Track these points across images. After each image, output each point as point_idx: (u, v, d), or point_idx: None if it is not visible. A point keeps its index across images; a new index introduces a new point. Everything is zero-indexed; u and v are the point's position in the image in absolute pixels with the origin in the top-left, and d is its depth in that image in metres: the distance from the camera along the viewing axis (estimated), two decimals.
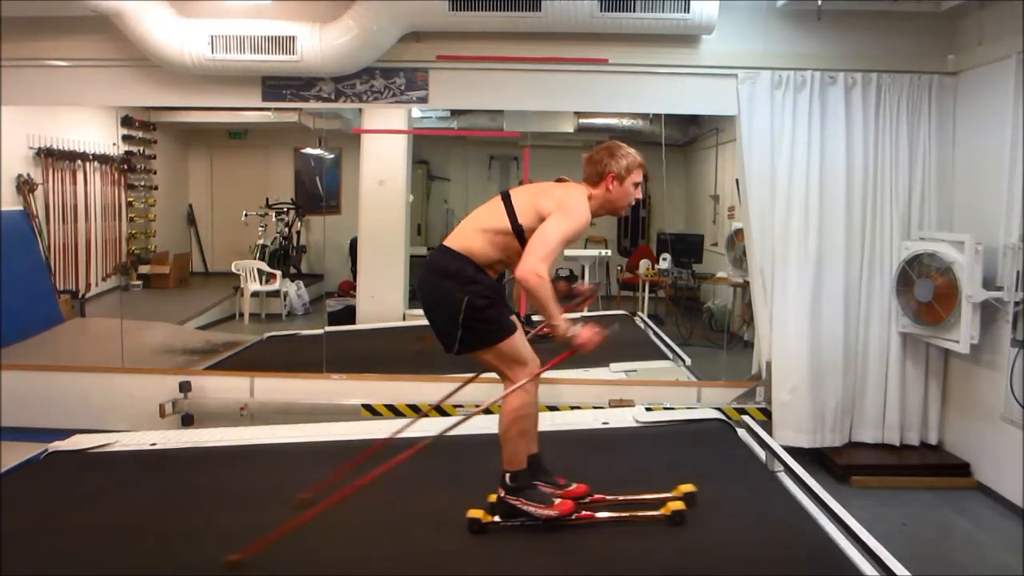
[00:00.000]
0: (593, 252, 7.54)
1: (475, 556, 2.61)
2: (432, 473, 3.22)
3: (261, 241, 7.82)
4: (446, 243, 2.75)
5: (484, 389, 4.71)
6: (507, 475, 2.72)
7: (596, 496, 2.89)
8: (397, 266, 6.42)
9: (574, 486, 2.87)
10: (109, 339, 5.63)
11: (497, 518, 2.73)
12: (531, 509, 2.70)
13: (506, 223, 2.70)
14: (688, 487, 2.84)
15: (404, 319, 6.51)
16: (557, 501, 2.74)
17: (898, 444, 4.87)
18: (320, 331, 6.07)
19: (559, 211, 2.67)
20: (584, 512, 2.77)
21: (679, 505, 2.74)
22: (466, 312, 2.62)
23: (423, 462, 3.40)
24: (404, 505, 2.98)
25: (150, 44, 4.74)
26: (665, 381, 5.11)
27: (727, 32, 4.78)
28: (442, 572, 2.56)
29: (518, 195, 2.78)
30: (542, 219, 2.67)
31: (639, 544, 2.63)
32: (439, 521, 2.82)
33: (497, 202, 2.78)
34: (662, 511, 2.74)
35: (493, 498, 2.77)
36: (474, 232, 2.73)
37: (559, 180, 2.87)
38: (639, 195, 2.85)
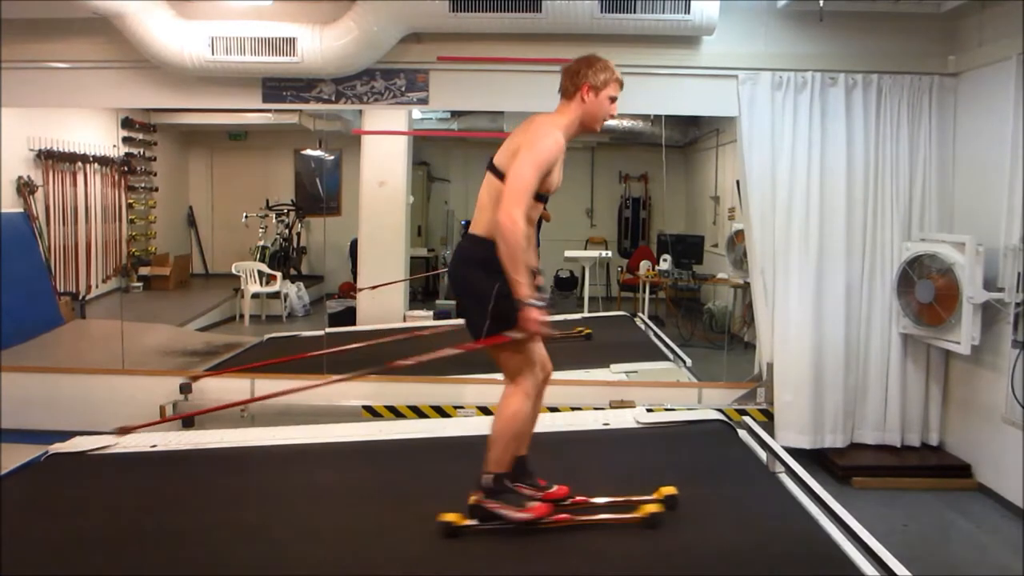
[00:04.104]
0: (593, 253, 7.54)
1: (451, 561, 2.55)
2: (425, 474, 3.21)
3: (261, 243, 7.82)
4: (471, 231, 2.69)
5: (484, 389, 4.75)
6: (489, 477, 2.64)
7: (578, 498, 2.83)
8: (397, 268, 6.42)
9: (555, 488, 2.81)
10: (109, 341, 5.63)
11: (474, 521, 2.65)
12: (505, 512, 2.64)
13: (499, 184, 2.61)
14: (669, 489, 2.79)
15: (404, 320, 6.51)
16: (532, 504, 2.67)
17: (899, 445, 4.87)
18: (320, 332, 6.07)
19: (525, 145, 2.60)
20: (562, 515, 2.70)
21: (657, 507, 2.70)
22: (495, 300, 2.57)
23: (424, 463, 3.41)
24: (394, 508, 2.96)
25: (150, 46, 4.75)
26: (666, 382, 5.10)
27: (728, 33, 4.78)
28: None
29: (498, 155, 2.71)
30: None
31: (638, 544, 2.62)
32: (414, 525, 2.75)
33: (487, 174, 2.72)
34: (638, 513, 2.70)
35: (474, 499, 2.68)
36: (483, 212, 2.66)
37: None
38: (614, 111, 2.76)
